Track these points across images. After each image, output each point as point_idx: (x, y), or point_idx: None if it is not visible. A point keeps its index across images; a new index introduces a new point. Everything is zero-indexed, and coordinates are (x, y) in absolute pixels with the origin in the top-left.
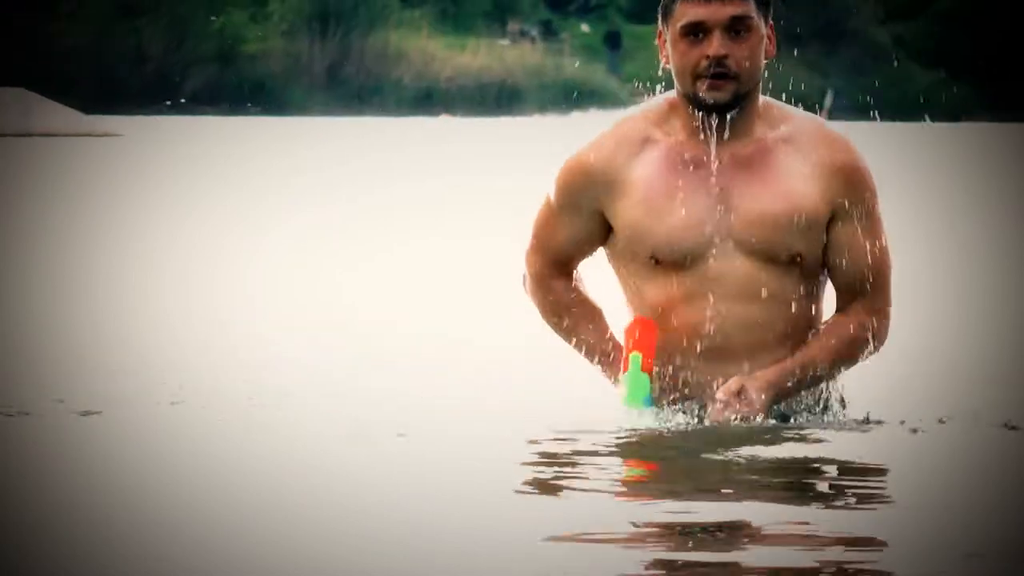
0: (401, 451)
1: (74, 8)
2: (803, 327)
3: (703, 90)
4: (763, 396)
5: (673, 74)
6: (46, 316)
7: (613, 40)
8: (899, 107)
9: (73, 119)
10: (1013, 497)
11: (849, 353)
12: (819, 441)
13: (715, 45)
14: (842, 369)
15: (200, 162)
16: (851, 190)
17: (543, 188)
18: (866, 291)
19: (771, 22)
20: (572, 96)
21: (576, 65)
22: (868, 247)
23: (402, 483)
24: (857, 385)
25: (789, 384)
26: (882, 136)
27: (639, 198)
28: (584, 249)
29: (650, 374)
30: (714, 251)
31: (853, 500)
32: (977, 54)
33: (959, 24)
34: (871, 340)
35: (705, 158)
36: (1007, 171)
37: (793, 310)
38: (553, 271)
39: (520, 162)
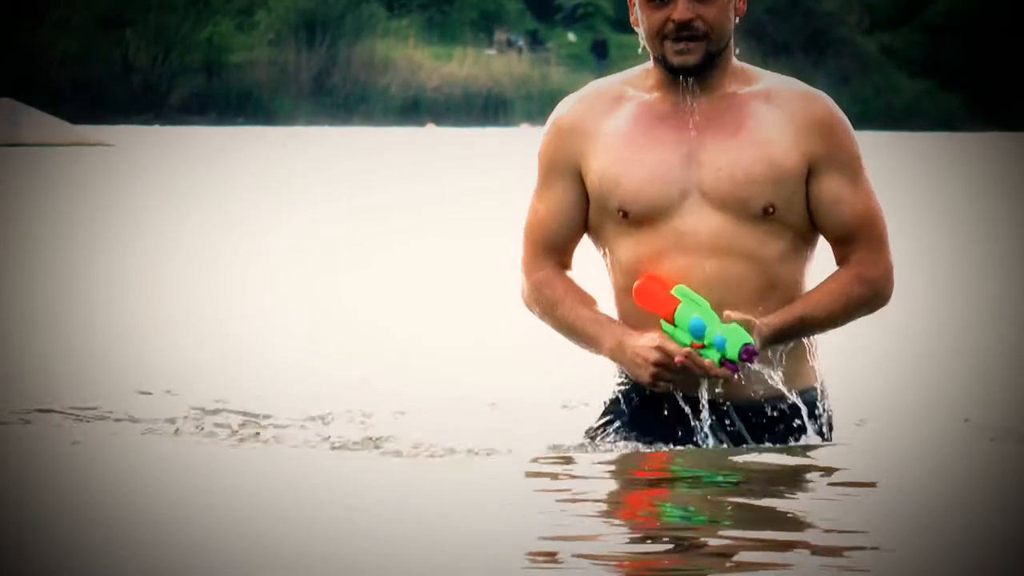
0: (389, 458)
1: (61, 19)
2: (785, 288)
3: (671, 53)
4: (762, 335)
5: (643, 37)
6: (42, 321)
7: (600, 49)
8: (886, 116)
9: (62, 129)
10: (1011, 507)
11: (849, 303)
12: (810, 457)
13: (680, 8)
14: (844, 319)
15: (191, 170)
16: (829, 143)
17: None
18: (860, 243)
19: None
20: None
21: (563, 74)
22: (854, 199)
23: (391, 492)
24: (847, 397)
25: (789, 329)
26: (870, 145)
27: (610, 150)
28: (573, 224)
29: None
30: (684, 205)
31: (844, 514)
32: (964, 64)
33: (946, 33)
34: (873, 290)
35: (676, 114)
36: (999, 180)
37: (770, 268)
38: (545, 263)
39: (508, 171)
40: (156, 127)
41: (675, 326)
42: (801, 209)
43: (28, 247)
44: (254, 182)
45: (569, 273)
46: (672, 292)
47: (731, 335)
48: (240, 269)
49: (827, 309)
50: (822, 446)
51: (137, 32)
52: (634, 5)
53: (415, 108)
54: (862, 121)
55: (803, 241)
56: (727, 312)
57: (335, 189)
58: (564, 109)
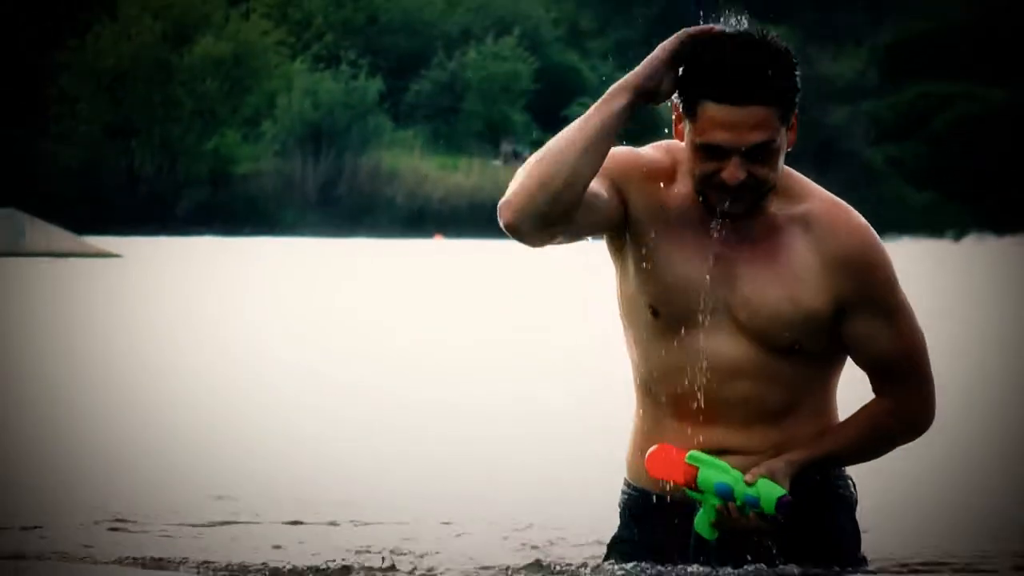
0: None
1: (66, 129)
2: (810, 406)
3: (716, 202)
4: (787, 474)
5: (688, 169)
6: (47, 432)
7: None
8: (894, 226)
9: (66, 239)
10: None
11: (883, 438)
12: None
13: (731, 170)
14: (878, 452)
15: (198, 280)
16: (862, 282)
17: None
18: (896, 377)
19: (795, 112)
20: None
21: None
22: (888, 335)
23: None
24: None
25: (816, 464)
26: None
27: (658, 232)
28: (596, 203)
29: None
30: (711, 323)
31: None
32: (970, 175)
33: (951, 145)
34: (911, 424)
35: (712, 228)
36: (1007, 288)
37: (796, 391)
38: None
39: (516, 284)
40: (162, 237)
41: (701, 492)
42: (828, 342)
43: (32, 358)
44: (260, 292)
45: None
46: (687, 460)
47: (762, 492)
48: (247, 381)
49: (858, 445)
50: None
51: (143, 142)
52: (681, 125)
53: (421, 219)
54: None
55: (831, 364)
56: (751, 471)
57: (340, 301)
58: (646, 148)
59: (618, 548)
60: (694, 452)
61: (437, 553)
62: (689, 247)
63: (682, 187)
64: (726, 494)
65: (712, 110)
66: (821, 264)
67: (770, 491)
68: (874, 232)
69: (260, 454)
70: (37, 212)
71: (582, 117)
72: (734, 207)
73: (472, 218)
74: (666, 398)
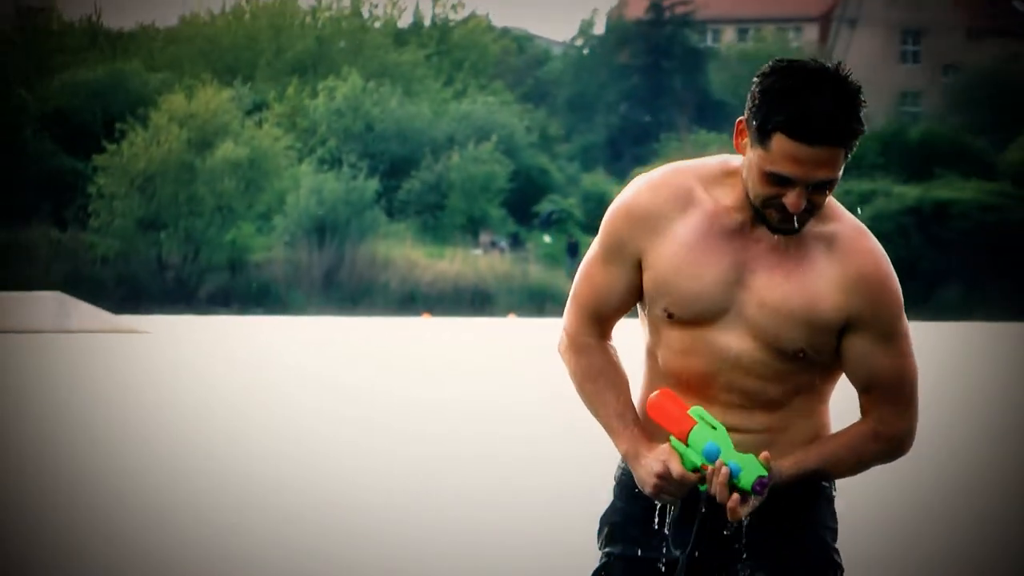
0: None
1: (104, 223)
2: (802, 405)
3: (774, 220)
4: (773, 480)
5: (745, 182)
6: (92, 494)
7: (572, 249)
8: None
9: (104, 318)
10: None
11: (863, 458)
12: None
13: (793, 199)
14: (856, 471)
15: (218, 354)
16: (871, 303)
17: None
18: (883, 399)
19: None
20: (537, 298)
21: (540, 271)
22: (883, 356)
23: None
24: None
25: (799, 478)
26: None
27: (671, 252)
28: (623, 303)
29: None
30: (723, 320)
31: None
32: (964, 256)
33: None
34: (890, 447)
35: (741, 234)
36: (1000, 370)
37: (790, 390)
38: (590, 330)
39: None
40: (187, 316)
41: (688, 446)
42: (831, 353)
43: (77, 423)
44: (271, 364)
45: (610, 344)
46: (688, 412)
47: (746, 464)
48: (264, 448)
49: (840, 463)
50: None
51: (170, 234)
52: (744, 141)
53: (412, 300)
54: None
55: (828, 374)
56: (764, 454)
57: (344, 375)
58: (639, 195)
59: (610, 528)
60: (698, 408)
61: None
62: (710, 257)
63: (705, 199)
64: (713, 455)
65: (785, 144)
66: (839, 281)
67: (754, 467)
68: (890, 263)
69: (273, 509)
70: (81, 295)
71: (596, 399)
72: (788, 226)
73: (456, 299)
74: (674, 378)
